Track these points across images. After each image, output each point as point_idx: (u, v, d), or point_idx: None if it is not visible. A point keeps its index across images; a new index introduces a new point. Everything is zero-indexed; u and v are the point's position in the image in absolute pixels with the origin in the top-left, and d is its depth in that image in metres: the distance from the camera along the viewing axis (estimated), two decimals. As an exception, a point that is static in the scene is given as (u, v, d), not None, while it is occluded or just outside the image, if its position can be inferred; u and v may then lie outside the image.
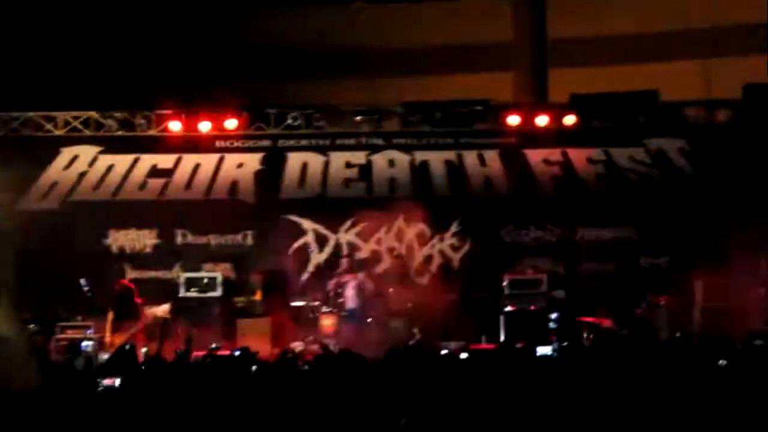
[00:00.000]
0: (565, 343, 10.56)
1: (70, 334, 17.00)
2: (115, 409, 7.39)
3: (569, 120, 19.37)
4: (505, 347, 13.26)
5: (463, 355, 11.82)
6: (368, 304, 17.56)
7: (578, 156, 19.45)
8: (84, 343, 16.67)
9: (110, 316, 15.66)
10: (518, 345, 12.23)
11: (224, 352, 13.90)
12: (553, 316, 17.21)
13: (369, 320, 17.33)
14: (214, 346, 17.01)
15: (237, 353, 11.15)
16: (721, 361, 9.84)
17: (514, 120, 19.37)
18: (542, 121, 19.38)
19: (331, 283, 17.75)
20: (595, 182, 19.35)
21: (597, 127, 19.58)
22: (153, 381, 8.72)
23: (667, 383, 7.92)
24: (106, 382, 8.62)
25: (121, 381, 8.64)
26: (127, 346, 14.48)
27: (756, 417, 6.91)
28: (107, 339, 15.64)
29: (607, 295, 17.79)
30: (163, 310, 16.16)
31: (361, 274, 17.87)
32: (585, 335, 16.71)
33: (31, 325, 16.88)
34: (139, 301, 16.31)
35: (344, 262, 18.09)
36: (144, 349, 15.14)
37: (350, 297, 17.37)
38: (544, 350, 9.87)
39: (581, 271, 18.73)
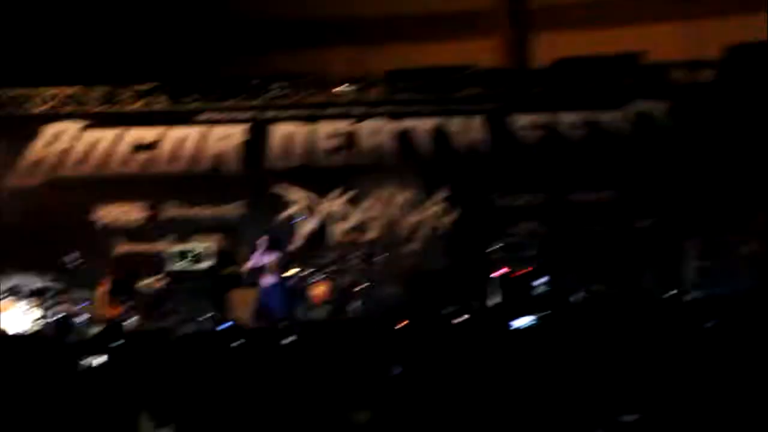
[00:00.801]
0: (547, 312, 10.55)
1: (61, 308, 16.99)
2: (98, 386, 7.38)
3: (554, 84, 19.41)
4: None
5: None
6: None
7: (563, 120, 19.47)
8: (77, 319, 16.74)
9: (102, 288, 15.58)
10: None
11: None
12: (543, 279, 17.23)
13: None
14: (207, 316, 17.17)
15: (226, 326, 11.20)
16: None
17: (498, 85, 19.39)
18: (527, 85, 19.39)
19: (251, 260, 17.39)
20: (581, 145, 19.38)
21: (581, 91, 19.59)
22: (137, 358, 8.72)
23: (659, 343, 7.97)
24: (91, 359, 8.59)
25: (106, 358, 8.63)
26: (121, 321, 14.64)
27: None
28: (98, 312, 15.56)
29: (597, 257, 17.85)
30: (154, 281, 16.07)
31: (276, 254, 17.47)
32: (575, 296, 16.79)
33: (24, 300, 16.94)
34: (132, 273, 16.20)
35: (263, 242, 17.59)
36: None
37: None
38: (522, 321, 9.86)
39: (569, 234, 18.75)
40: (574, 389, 7.13)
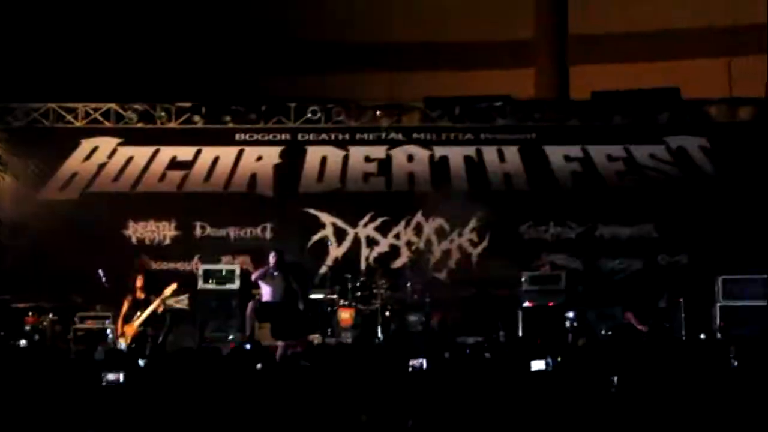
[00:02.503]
0: (559, 359, 10.44)
1: (89, 324, 17.07)
2: (118, 404, 7.38)
3: (590, 117, 19.35)
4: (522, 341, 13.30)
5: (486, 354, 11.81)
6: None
7: (599, 153, 19.40)
8: (108, 331, 16.79)
9: (128, 304, 15.58)
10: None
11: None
12: (570, 314, 17.11)
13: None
14: (230, 338, 17.18)
15: (247, 347, 11.17)
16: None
17: (534, 116, 19.37)
18: (563, 118, 19.36)
19: (256, 275, 17.29)
20: (615, 179, 19.30)
21: (618, 124, 19.53)
22: (155, 376, 8.72)
23: (684, 382, 7.89)
24: (110, 376, 8.59)
25: (125, 375, 8.62)
26: (145, 338, 14.66)
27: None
28: (119, 331, 15.57)
29: (625, 292, 17.72)
30: (171, 291, 15.94)
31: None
32: (602, 332, 16.69)
33: (50, 315, 17.00)
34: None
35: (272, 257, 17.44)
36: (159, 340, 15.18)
37: (267, 292, 16.92)
38: (538, 365, 9.75)
39: (600, 269, 18.64)
40: (599, 424, 7.08)
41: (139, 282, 15.53)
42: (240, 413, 7.14)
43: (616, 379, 8.68)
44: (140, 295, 15.41)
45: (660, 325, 15.84)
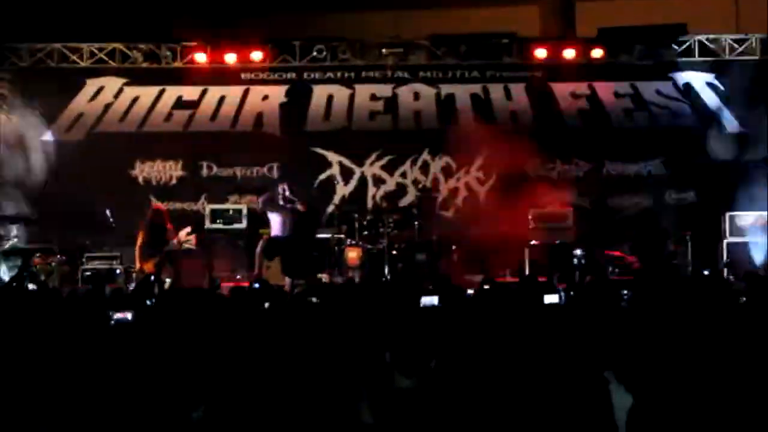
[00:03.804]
0: (572, 293, 10.46)
1: (97, 264, 17.16)
2: (126, 343, 7.38)
3: (596, 53, 19.27)
4: (527, 281, 13.29)
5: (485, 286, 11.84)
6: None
7: (605, 89, 19.35)
8: (117, 271, 16.88)
9: (139, 242, 15.62)
10: (540, 279, 12.27)
11: (244, 283, 14.04)
12: (578, 251, 17.13)
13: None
14: (238, 277, 17.24)
15: (256, 286, 11.19)
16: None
17: (540, 53, 19.29)
18: (569, 54, 19.28)
19: (262, 199, 17.41)
20: (622, 116, 19.27)
21: (624, 61, 19.44)
22: (165, 314, 8.73)
23: (688, 321, 7.88)
24: (118, 315, 8.61)
25: (134, 314, 8.64)
26: (152, 277, 14.67)
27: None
28: (137, 266, 15.65)
29: (632, 230, 17.75)
30: (185, 235, 16.06)
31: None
32: (610, 270, 16.73)
33: (58, 256, 17.05)
34: (170, 227, 16.19)
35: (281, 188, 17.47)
36: (168, 279, 15.25)
37: (276, 224, 17.02)
38: (551, 298, 9.76)
39: (607, 206, 18.62)
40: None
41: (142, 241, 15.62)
42: (249, 351, 7.14)
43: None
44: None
45: (667, 263, 15.92)
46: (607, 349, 6.90)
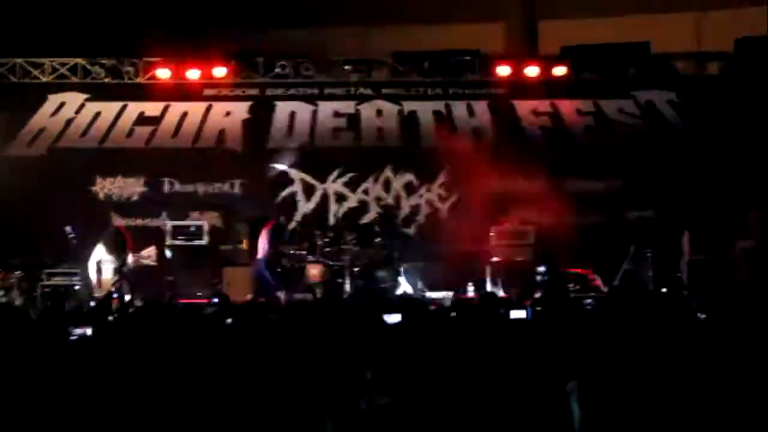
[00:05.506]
0: (539, 309, 10.49)
1: (56, 280, 17.01)
2: (85, 359, 7.33)
3: (559, 71, 19.34)
4: (487, 299, 13.28)
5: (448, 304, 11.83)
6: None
7: (568, 107, 19.44)
8: (77, 287, 16.76)
9: (97, 259, 15.56)
10: (501, 295, 12.28)
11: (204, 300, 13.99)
12: (541, 268, 17.15)
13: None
14: (199, 294, 17.15)
15: (215, 301, 11.15)
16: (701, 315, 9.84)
17: (503, 71, 19.34)
18: (532, 72, 19.35)
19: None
20: (584, 134, 19.35)
21: (587, 79, 19.52)
22: (125, 330, 8.67)
23: (653, 337, 7.90)
24: (78, 331, 8.56)
25: (93, 330, 8.59)
26: (113, 294, 14.62)
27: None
28: (94, 284, 15.57)
29: (593, 247, 17.78)
30: (147, 254, 16.06)
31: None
32: (571, 287, 16.75)
33: (17, 272, 16.90)
34: (130, 245, 16.13)
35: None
36: (128, 296, 15.18)
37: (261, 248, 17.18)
38: (518, 314, 9.80)
39: (568, 223, 18.63)
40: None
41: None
42: (211, 367, 7.10)
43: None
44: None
45: (628, 280, 15.95)
46: (570, 361, 6.92)
